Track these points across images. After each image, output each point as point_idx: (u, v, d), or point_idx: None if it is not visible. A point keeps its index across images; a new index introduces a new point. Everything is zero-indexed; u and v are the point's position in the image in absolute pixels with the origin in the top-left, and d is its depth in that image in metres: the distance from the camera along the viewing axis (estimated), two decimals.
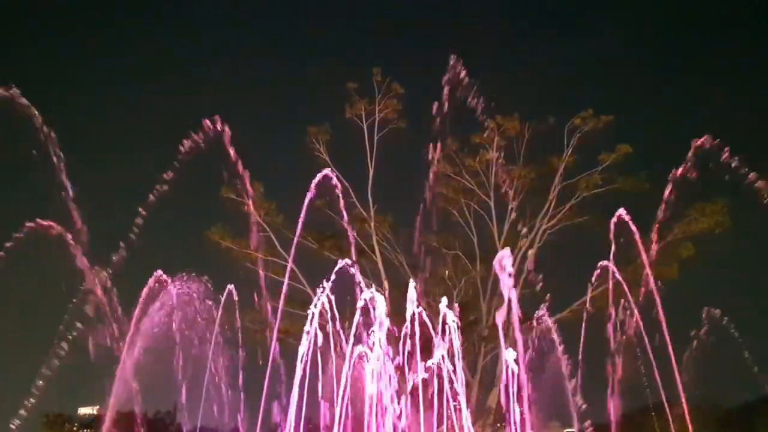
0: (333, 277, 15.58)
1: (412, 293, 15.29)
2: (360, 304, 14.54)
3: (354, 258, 31.14)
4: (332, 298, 15.27)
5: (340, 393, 13.69)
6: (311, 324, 14.07)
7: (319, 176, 18.65)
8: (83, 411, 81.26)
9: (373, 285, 31.78)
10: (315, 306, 14.69)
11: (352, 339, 14.16)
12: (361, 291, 15.49)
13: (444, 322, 14.58)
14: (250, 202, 32.51)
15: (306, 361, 14.03)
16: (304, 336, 14.13)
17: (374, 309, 14.27)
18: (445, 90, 18.42)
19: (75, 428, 78.54)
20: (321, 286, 15.34)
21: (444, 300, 15.73)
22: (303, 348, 14.01)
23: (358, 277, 16.71)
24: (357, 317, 14.32)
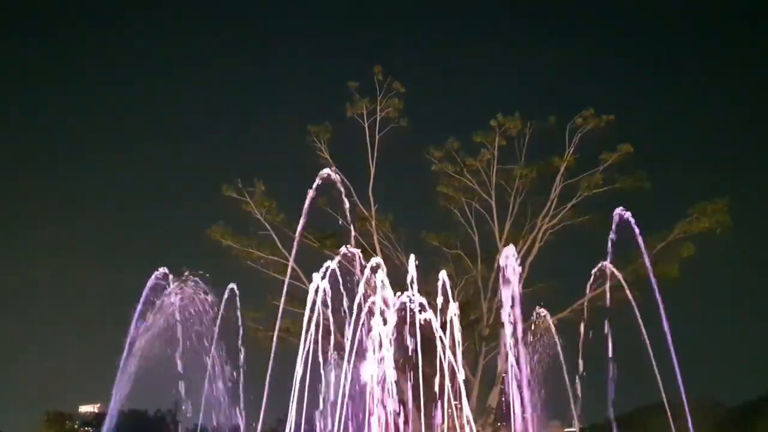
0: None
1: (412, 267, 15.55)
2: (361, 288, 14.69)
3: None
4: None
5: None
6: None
7: (319, 178, 18.73)
8: (84, 409, 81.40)
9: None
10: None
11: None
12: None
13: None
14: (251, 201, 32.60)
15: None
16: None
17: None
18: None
19: (75, 426, 78.62)
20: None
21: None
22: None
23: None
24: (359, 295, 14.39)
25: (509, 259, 11.37)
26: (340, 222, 24.33)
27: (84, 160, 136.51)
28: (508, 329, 14.95)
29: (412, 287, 15.75)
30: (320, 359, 14.83)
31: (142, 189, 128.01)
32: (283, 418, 16.05)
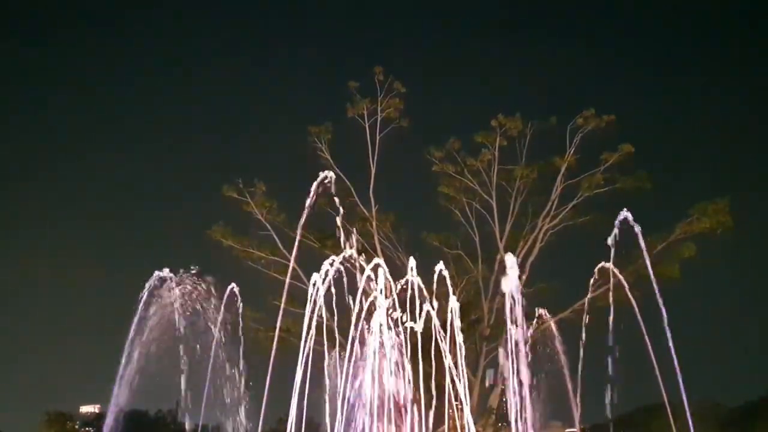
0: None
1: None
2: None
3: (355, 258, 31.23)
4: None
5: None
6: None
7: (318, 181, 18.76)
8: (85, 409, 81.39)
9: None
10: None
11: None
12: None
13: None
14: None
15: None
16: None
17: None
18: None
19: (76, 427, 78.60)
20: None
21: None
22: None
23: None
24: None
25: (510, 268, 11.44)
26: (339, 222, 24.36)
27: (84, 160, 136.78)
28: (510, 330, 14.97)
29: (413, 291, 15.80)
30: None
31: (142, 189, 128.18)
32: (283, 418, 16.10)
